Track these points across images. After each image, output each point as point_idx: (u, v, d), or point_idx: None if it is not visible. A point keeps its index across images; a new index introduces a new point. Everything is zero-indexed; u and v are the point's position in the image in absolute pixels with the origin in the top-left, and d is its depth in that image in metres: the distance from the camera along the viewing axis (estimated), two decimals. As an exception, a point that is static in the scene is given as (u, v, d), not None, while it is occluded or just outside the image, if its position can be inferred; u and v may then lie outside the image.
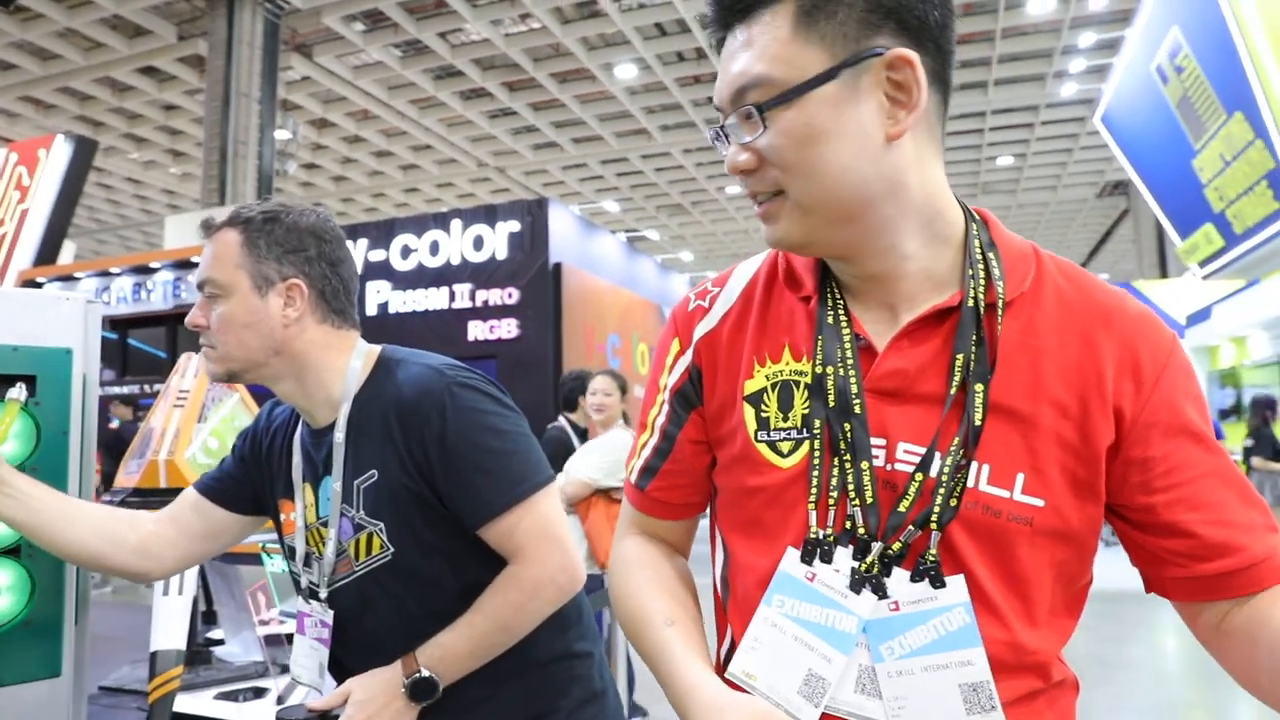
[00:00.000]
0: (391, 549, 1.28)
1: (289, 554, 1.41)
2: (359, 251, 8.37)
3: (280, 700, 1.84)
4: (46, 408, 1.47)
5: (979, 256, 0.85)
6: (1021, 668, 0.81)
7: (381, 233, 8.50)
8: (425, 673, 1.23)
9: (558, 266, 7.81)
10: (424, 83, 14.85)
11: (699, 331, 0.95)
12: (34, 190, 11.75)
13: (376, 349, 1.38)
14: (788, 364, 0.88)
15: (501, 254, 7.86)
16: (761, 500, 0.88)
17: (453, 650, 1.25)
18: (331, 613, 1.32)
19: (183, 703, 1.74)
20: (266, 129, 12.39)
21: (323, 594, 1.33)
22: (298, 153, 15.18)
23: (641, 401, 1.03)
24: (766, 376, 0.90)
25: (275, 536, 2.08)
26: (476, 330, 7.75)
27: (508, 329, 7.68)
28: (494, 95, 15.27)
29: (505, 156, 18.31)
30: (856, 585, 0.81)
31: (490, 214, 8.12)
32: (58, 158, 11.75)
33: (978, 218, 0.88)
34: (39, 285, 9.73)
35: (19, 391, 1.41)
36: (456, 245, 8.06)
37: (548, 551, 1.26)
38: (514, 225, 7.89)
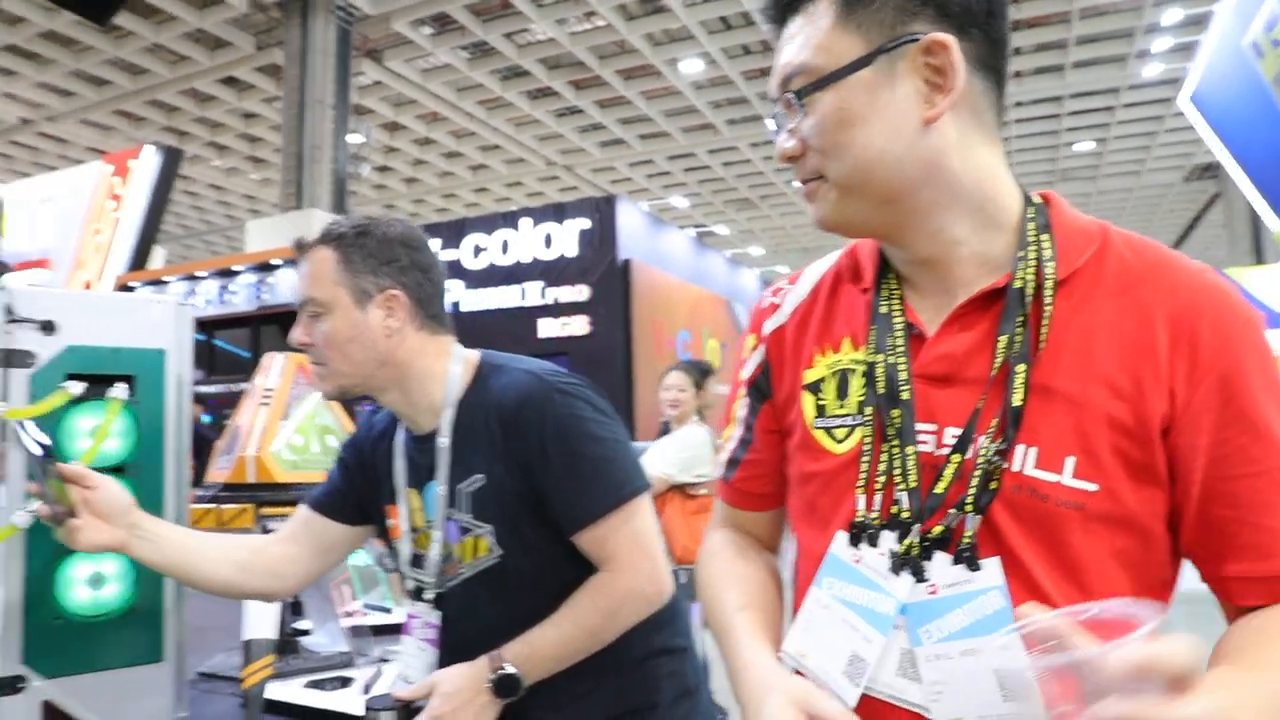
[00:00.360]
0: (500, 551, 1.32)
1: (395, 557, 1.45)
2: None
3: (366, 689, 1.89)
4: (143, 407, 1.54)
5: (1031, 239, 0.84)
6: None
7: (453, 232, 8.64)
8: (510, 669, 1.25)
9: (627, 263, 7.83)
10: (492, 83, 15.04)
11: (769, 327, 1.00)
12: (126, 199, 12.27)
13: (475, 354, 1.42)
14: (846, 353, 0.91)
15: (571, 251, 7.91)
16: (817, 486, 0.92)
17: (539, 650, 1.27)
18: (438, 613, 1.37)
19: (274, 690, 1.80)
20: (340, 134, 12.70)
21: (429, 595, 1.38)
22: (370, 156, 15.54)
23: (727, 396, 1.08)
24: (827, 366, 0.93)
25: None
26: (547, 328, 7.83)
27: (578, 326, 7.73)
28: (561, 94, 15.38)
29: (573, 154, 18.43)
30: (896, 567, 0.83)
31: (559, 212, 8.19)
32: (147, 167, 12.23)
33: (1039, 201, 0.88)
34: (131, 289, 10.15)
35: (120, 391, 1.48)
36: (527, 243, 8.15)
37: (639, 561, 1.28)
38: (583, 223, 7.94)
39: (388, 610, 2.46)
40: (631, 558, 1.28)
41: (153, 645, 1.53)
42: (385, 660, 2.08)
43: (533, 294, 8.01)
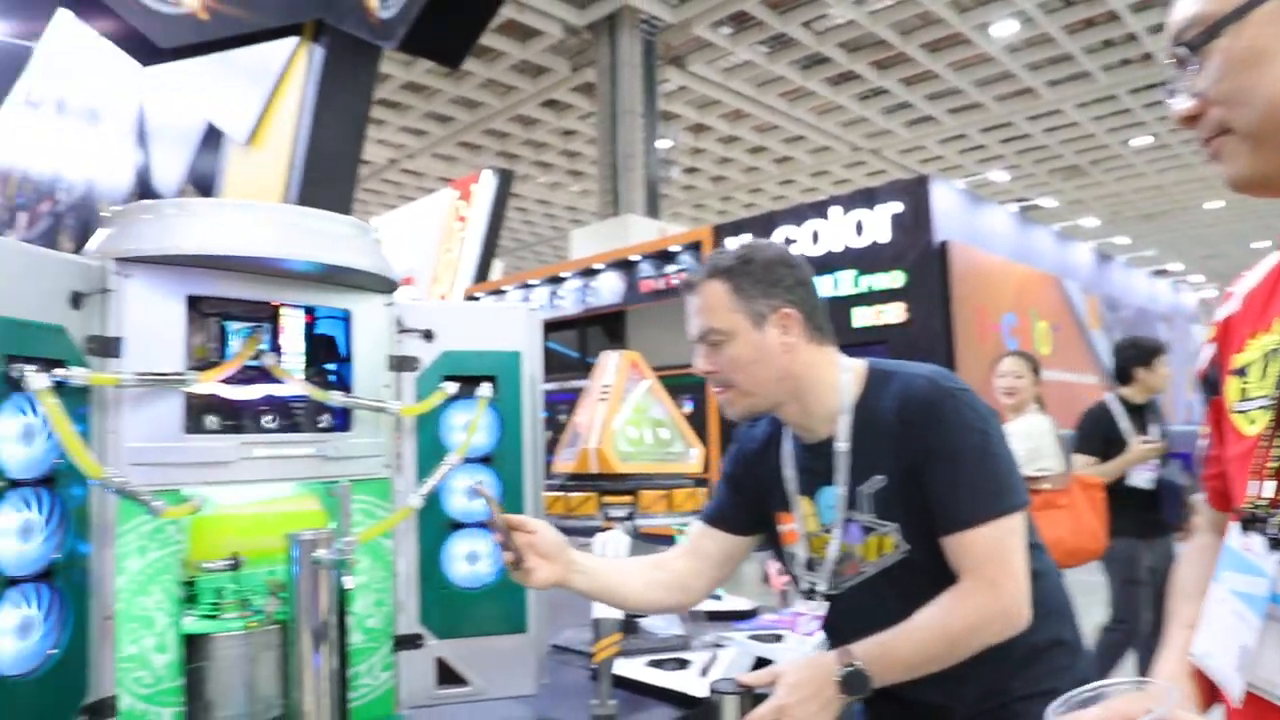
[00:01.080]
0: (906, 547, 1.35)
1: (789, 561, 1.53)
2: (741, 247, 8.65)
3: (704, 672, 1.95)
4: (504, 403, 1.71)
5: None
6: None
7: (762, 227, 8.72)
8: (860, 666, 1.24)
9: (944, 245, 7.42)
10: (792, 74, 14.98)
11: (1220, 315, 0.96)
12: (470, 219, 13.82)
13: (862, 362, 1.46)
14: (1276, 333, 0.84)
15: (884, 237, 7.66)
16: (1229, 471, 0.89)
17: (892, 652, 1.27)
18: (826, 606, 1.42)
19: (618, 666, 1.92)
20: (650, 141, 13.34)
21: (821, 588, 1.43)
22: (678, 159, 16.14)
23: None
24: (1259, 348, 0.86)
25: (683, 520, 2.22)
26: (862, 317, 7.63)
27: (895, 313, 7.45)
28: (863, 76, 14.95)
29: (879, 137, 17.85)
30: (1274, 545, 0.77)
31: (869, 197, 7.95)
32: (486, 189, 13.70)
33: None
34: (477, 299, 11.38)
35: (486, 390, 1.66)
36: (837, 232, 8.02)
37: (1004, 579, 1.26)
38: (895, 206, 7.65)
39: (718, 597, 2.53)
40: (998, 574, 1.27)
41: (518, 617, 1.71)
42: (720, 645, 2.14)
43: (846, 283, 7.85)
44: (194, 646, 1.42)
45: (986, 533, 1.27)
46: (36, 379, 1.14)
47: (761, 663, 2.03)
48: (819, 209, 8.36)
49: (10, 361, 1.14)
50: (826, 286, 7.97)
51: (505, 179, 13.96)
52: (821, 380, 1.41)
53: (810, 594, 1.46)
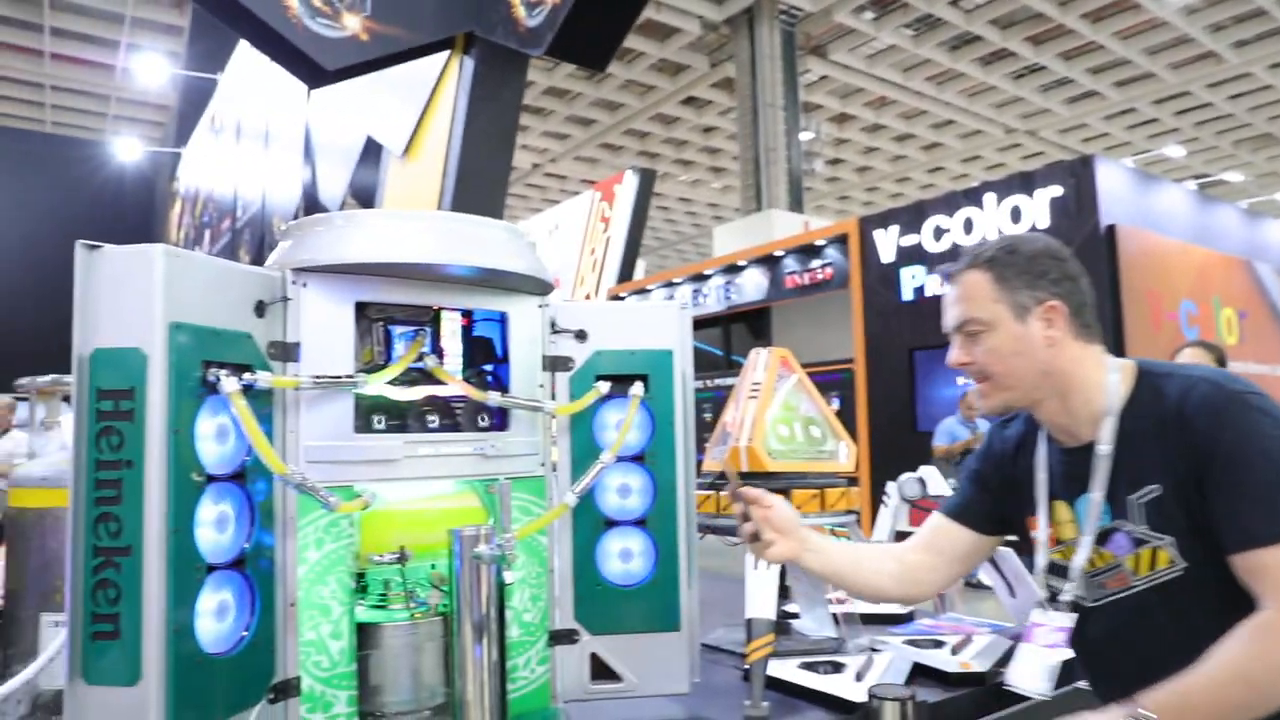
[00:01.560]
0: (1184, 563, 1.25)
1: (1035, 568, 1.47)
2: (889, 238, 8.41)
3: (859, 677, 1.90)
4: (656, 402, 1.72)
5: None
6: None
7: (912, 217, 8.43)
8: (1151, 716, 1.13)
9: (1111, 229, 6.94)
10: (939, 57, 14.40)
11: None
12: (613, 220, 14.02)
13: (1130, 362, 1.38)
14: None
15: (1043, 223, 7.23)
16: None
17: (1191, 701, 1.13)
18: (1073, 616, 1.36)
19: (770, 668, 1.90)
20: (792, 133, 13.14)
21: (1075, 598, 1.37)
22: (822, 151, 15.83)
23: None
24: None
25: (836, 519, 2.16)
26: (1019, 308, 7.25)
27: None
28: (1017, 54, 14.19)
29: (1036, 117, 16.91)
30: None
31: (1027, 182, 7.53)
32: (628, 190, 13.86)
33: None
34: (621, 299, 11.53)
35: (638, 389, 1.67)
36: (991, 220, 7.64)
37: None
38: (1055, 190, 7.21)
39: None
40: None
41: (671, 615, 1.71)
42: (875, 650, 2.08)
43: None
44: (364, 635, 1.50)
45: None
46: (229, 382, 1.24)
47: (919, 669, 1.96)
48: (972, 196, 7.99)
49: (206, 367, 1.23)
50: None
51: (647, 178, 14.08)
52: (1087, 379, 1.34)
53: (1054, 603, 1.38)
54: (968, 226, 7.86)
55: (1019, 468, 1.48)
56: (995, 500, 1.53)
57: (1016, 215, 7.49)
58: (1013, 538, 1.57)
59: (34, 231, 14.22)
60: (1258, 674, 1.11)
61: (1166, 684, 1.14)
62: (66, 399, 2.61)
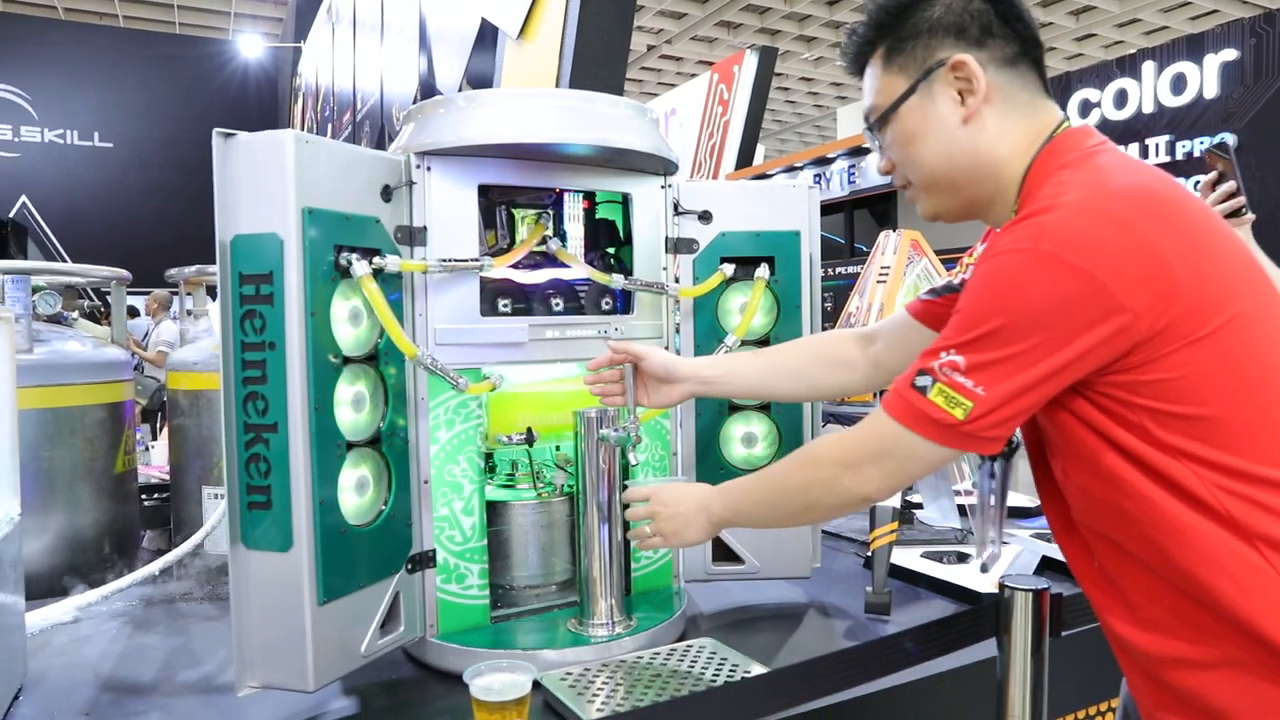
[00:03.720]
0: None
1: None
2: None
3: (984, 569, 1.86)
4: (783, 285, 1.67)
5: None
6: None
7: (1056, 91, 7.77)
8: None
9: (1290, 97, 6.24)
10: (1098, -93, 12.98)
11: None
12: (733, 103, 13.57)
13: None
14: None
15: (1211, 92, 6.53)
16: None
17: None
18: None
19: (893, 556, 1.88)
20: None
21: None
22: (957, 21, 14.70)
23: None
24: None
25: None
26: (1175, 188, 6.68)
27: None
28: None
29: (1206, -30, 15.15)
30: None
31: (1195, 46, 6.79)
32: (748, 71, 13.31)
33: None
34: (741, 185, 11.24)
35: (764, 271, 1.62)
36: (1149, 91, 6.96)
37: None
38: (1228, 54, 6.47)
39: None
40: None
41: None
42: (1003, 542, 2.03)
43: (1158, 151, 6.86)
44: (494, 512, 1.55)
45: None
46: (360, 266, 1.26)
47: (1047, 561, 1.91)
48: (1129, 65, 7.30)
49: (339, 251, 1.26)
50: (1133, 155, 7.02)
51: (768, 58, 13.47)
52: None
53: None
54: (1120, 100, 7.22)
55: None
56: None
57: (1179, 84, 6.81)
58: None
59: (169, 131, 14.88)
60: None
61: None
62: (211, 290, 2.76)
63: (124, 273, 2.47)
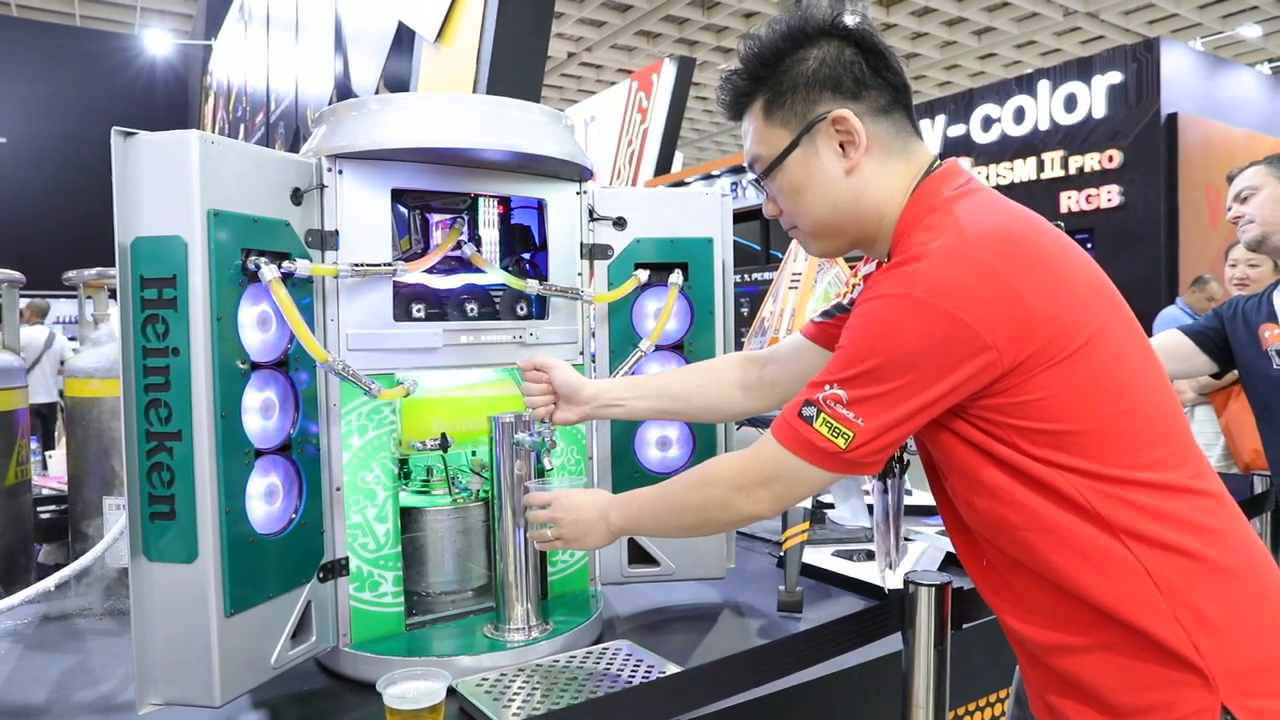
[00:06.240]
0: None
1: None
2: (936, 129, 8.11)
3: (891, 566, 1.92)
4: (697, 290, 1.70)
5: None
6: None
7: (960, 106, 8.09)
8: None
9: (1172, 118, 6.61)
10: (998, -67, 13.55)
11: None
12: (651, 111, 13.67)
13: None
14: None
15: (1099, 111, 6.90)
16: None
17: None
18: None
19: (804, 555, 1.93)
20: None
21: None
22: (867, 37, 15.13)
23: None
24: None
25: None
26: (1069, 201, 7.00)
27: (1107, 197, 6.77)
28: (1082, -73, 13.30)
29: (1096, -1, 15.96)
30: None
31: (1085, 68, 7.16)
32: (666, 80, 13.43)
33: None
34: (659, 193, 11.33)
35: (677, 277, 1.65)
36: (1045, 109, 7.31)
37: None
38: (1114, 77, 6.85)
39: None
40: None
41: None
42: (908, 539, 2.10)
43: (1052, 165, 7.20)
44: (408, 519, 1.54)
45: None
46: (269, 270, 1.23)
47: (950, 557, 1.99)
48: (1025, 84, 7.65)
49: (246, 255, 1.23)
50: (1029, 170, 7.36)
51: (686, 67, 13.63)
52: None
53: None
54: (1018, 116, 7.55)
55: None
56: None
57: (1071, 104, 7.17)
58: None
59: (68, 129, 14.17)
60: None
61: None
62: (113, 293, 2.65)
63: (16, 274, 2.35)
